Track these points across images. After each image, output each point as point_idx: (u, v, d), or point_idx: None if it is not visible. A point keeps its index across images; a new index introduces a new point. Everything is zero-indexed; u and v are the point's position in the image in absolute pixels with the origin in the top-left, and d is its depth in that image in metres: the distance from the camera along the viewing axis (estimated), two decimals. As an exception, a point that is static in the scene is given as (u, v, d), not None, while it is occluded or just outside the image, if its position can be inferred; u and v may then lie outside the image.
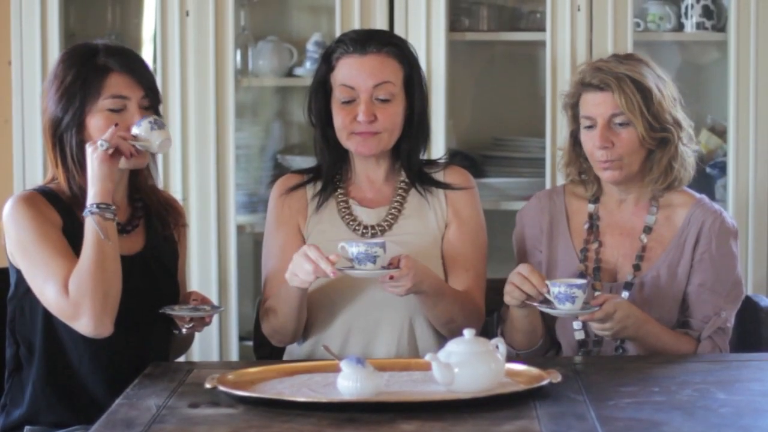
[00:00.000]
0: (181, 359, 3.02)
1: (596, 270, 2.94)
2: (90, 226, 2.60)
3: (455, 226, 2.94)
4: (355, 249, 2.64)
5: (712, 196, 3.83)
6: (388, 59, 2.90)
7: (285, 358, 2.99)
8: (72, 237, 2.66)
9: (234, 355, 3.83)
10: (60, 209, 2.69)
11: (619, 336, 2.79)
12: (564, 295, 2.65)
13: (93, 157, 2.61)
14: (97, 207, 2.60)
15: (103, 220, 2.60)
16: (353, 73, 2.88)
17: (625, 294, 2.90)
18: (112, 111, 2.69)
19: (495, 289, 3.00)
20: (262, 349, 3.11)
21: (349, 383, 2.32)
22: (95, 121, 2.69)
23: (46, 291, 2.62)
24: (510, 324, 2.89)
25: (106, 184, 2.61)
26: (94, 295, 2.58)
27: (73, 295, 2.58)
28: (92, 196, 2.61)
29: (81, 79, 2.68)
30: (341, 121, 2.88)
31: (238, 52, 3.92)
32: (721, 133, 3.95)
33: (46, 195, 2.70)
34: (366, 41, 2.89)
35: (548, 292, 2.67)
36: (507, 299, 2.77)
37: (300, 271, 2.66)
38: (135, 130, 2.66)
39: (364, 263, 2.64)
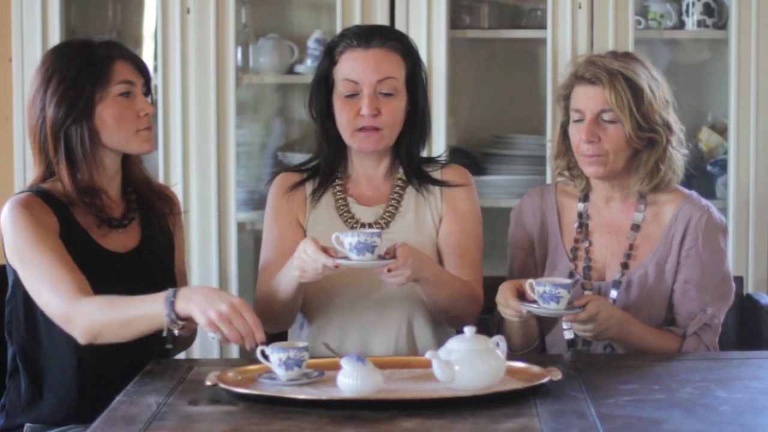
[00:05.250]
0: (182, 356, 3.03)
1: (586, 269, 2.94)
2: (158, 312, 2.50)
3: (450, 218, 2.94)
4: (352, 239, 2.59)
5: (712, 194, 3.83)
6: (392, 54, 2.89)
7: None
8: (66, 240, 2.66)
9: (234, 353, 3.83)
10: (56, 211, 2.68)
11: (600, 337, 2.78)
12: (549, 294, 2.63)
13: (206, 321, 2.46)
14: (177, 316, 2.50)
15: (170, 320, 2.50)
16: (357, 67, 2.87)
17: (613, 292, 2.90)
18: (122, 96, 2.70)
19: (495, 286, 3.00)
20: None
21: (349, 381, 2.32)
22: (109, 109, 2.69)
23: (43, 296, 2.61)
24: (506, 327, 2.89)
25: (192, 319, 2.50)
26: (94, 324, 2.55)
27: (84, 305, 2.55)
28: (184, 308, 2.48)
29: (87, 69, 2.68)
30: (345, 118, 2.88)
31: (239, 49, 3.92)
32: (721, 130, 3.94)
33: (43, 196, 2.69)
34: (370, 36, 2.89)
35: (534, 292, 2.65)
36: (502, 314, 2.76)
37: (309, 269, 2.64)
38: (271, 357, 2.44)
39: (362, 253, 2.59)
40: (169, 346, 2.50)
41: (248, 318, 2.45)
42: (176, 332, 2.54)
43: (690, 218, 2.91)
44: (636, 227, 2.94)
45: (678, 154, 2.92)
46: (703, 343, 2.86)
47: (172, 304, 2.49)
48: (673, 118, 2.91)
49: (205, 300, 2.47)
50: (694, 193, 2.98)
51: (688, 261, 2.89)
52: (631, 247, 2.93)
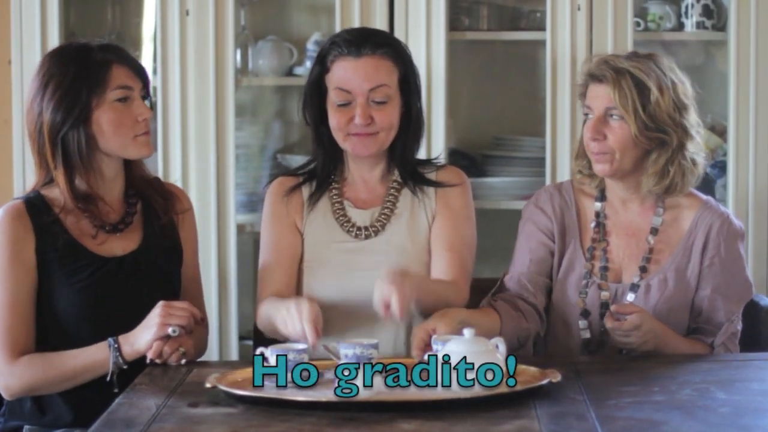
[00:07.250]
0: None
1: (603, 269, 2.93)
2: (103, 355, 2.63)
3: (441, 214, 2.93)
4: (348, 351, 2.51)
5: (711, 196, 3.82)
6: (383, 61, 2.89)
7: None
8: (49, 251, 2.67)
9: (234, 355, 3.83)
10: (43, 223, 2.68)
11: (640, 349, 2.76)
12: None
13: (156, 327, 2.61)
14: (123, 360, 2.63)
15: (116, 367, 2.63)
16: (348, 76, 2.87)
17: (630, 295, 2.89)
18: (119, 101, 2.69)
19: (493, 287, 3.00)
20: (262, 348, 3.11)
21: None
22: (106, 115, 2.68)
23: None
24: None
25: (141, 351, 2.63)
26: (32, 383, 2.66)
27: (20, 367, 2.65)
28: (130, 349, 2.62)
29: (83, 75, 2.67)
30: (337, 123, 2.88)
31: (238, 52, 3.92)
32: (721, 132, 3.95)
33: (34, 206, 2.69)
34: (360, 43, 2.88)
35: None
36: None
37: (291, 328, 2.63)
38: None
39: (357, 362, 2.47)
40: (116, 390, 2.58)
41: (180, 305, 2.64)
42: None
43: (711, 226, 2.90)
44: (655, 231, 2.93)
45: (696, 158, 2.88)
46: (730, 351, 2.86)
47: (117, 350, 2.61)
48: (690, 121, 2.87)
49: (143, 326, 2.63)
50: (711, 199, 2.97)
51: (712, 270, 2.88)
52: (650, 250, 2.92)
